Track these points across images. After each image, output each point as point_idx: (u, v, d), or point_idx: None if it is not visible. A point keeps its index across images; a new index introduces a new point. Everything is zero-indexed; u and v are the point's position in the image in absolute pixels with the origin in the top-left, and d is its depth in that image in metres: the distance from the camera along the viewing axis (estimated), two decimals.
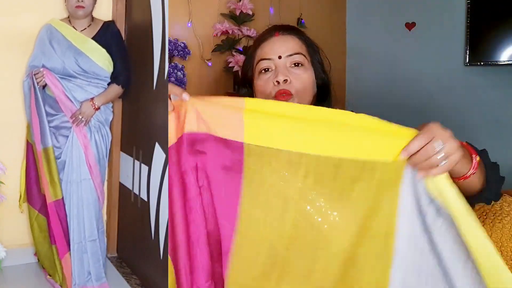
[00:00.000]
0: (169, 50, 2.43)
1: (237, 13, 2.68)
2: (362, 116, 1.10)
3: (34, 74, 2.18)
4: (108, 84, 2.32)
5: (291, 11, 2.99)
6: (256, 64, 1.44)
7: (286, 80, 1.36)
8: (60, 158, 2.25)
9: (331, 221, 1.15)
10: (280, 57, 1.40)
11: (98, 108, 2.27)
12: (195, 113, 1.21)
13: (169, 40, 2.44)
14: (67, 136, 2.26)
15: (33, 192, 2.28)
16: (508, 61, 2.60)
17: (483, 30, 2.75)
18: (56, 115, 2.26)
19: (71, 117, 2.23)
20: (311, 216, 1.16)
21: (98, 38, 2.29)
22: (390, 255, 1.11)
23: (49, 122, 2.24)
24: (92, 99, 2.25)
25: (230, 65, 2.62)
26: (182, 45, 2.47)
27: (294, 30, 1.50)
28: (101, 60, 2.28)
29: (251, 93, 1.50)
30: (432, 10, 3.00)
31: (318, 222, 1.16)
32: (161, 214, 2.04)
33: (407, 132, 1.06)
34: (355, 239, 1.13)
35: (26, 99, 2.27)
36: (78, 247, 2.21)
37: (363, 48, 3.38)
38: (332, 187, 1.14)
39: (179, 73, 2.41)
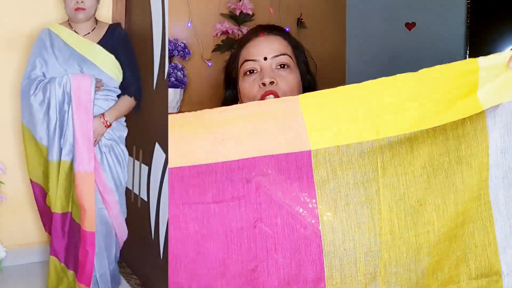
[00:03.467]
0: (169, 50, 2.43)
1: (237, 13, 2.69)
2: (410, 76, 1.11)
3: (97, 87, 1.91)
4: (118, 96, 2.03)
5: (291, 11, 2.99)
6: (241, 66, 1.41)
7: (273, 82, 1.33)
8: None
9: (430, 202, 1.11)
10: (265, 59, 1.37)
11: (110, 125, 1.97)
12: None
13: (169, 40, 2.44)
14: None
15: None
16: None
17: (483, 30, 2.75)
18: None
19: None
20: (404, 203, 1.11)
21: (104, 43, 2.00)
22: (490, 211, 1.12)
23: None
24: (102, 114, 1.95)
25: None
26: (182, 45, 2.47)
27: (279, 30, 1.47)
28: (110, 68, 1.99)
29: (235, 94, 1.47)
30: (432, 10, 3.00)
31: (414, 206, 1.11)
32: (161, 214, 2.04)
33: (469, 66, 1.09)
34: (457, 209, 1.11)
35: (26, 110, 1.96)
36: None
37: (363, 48, 3.38)
38: (410, 166, 1.10)
39: (179, 73, 2.41)
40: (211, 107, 1.16)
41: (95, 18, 2.06)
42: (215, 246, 1.12)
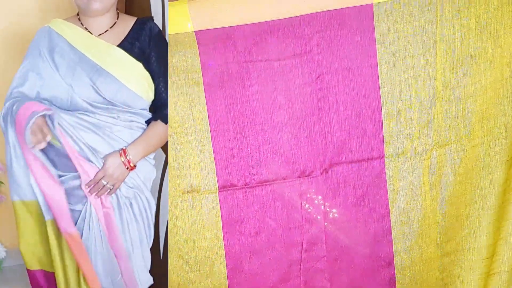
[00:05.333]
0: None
1: None
2: None
3: (32, 126, 1.26)
4: (147, 122, 1.45)
5: None
6: None
7: None
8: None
9: (480, 55, 1.20)
10: None
11: (134, 167, 1.38)
12: None
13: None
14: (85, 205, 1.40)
15: None
16: None
17: None
18: (65, 175, 1.38)
19: (86, 184, 1.36)
20: (457, 55, 1.19)
21: (128, 45, 1.42)
22: None
23: None
24: (123, 150, 1.37)
25: None
26: None
27: None
28: (136, 81, 1.39)
29: None
30: None
31: (465, 57, 1.20)
32: (161, 214, 2.04)
33: None
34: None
35: (7, 142, 1.40)
36: None
37: None
38: (467, 17, 1.17)
39: None
40: None
41: (116, 10, 1.49)
42: (279, 101, 1.20)
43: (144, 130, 1.43)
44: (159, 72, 1.41)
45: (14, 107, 1.34)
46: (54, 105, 1.38)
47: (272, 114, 1.19)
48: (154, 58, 1.43)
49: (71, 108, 1.37)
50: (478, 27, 1.17)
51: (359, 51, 1.17)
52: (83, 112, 1.37)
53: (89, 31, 1.44)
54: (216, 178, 1.22)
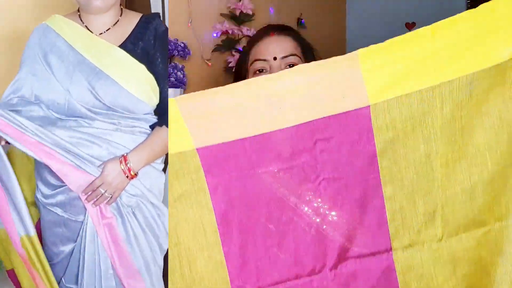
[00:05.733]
0: (169, 50, 2.42)
1: (237, 13, 2.69)
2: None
3: None
4: (152, 127, 1.35)
5: (291, 11, 2.99)
6: (251, 64, 1.44)
7: None
8: (66, 262, 1.33)
9: (483, 143, 1.14)
10: (275, 59, 1.40)
11: (136, 175, 1.30)
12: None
13: (169, 40, 2.44)
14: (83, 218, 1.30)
15: None
16: None
17: None
18: (64, 185, 1.28)
19: (83, 191, 1.26)
20: (458, 146, 1.13)
21: (131, 46, 1.31)
22: None
23: (48, 197, 1.31)
24: (124, 157, 1.27)
25: (230, 65, 2.62)
26: (182, 45, 2.47)
27: (289, 30, 1.50)
28: (138, 85, 1.29)
29: None
30: (432, 10, 3.00)
31: (468, 148, 1.14)
32: None
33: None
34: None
35: None
36: None
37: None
38: (468, 107, 1.12)
39: (179, 73, 2.41)
40: None
41: (120, 6, 1.38)
42: (285, 206, 1.17)
43: (148, 135, 1.33)
44: (163, 74, 1.32)
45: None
46: (51, 110, 1.30)
47: (279, 219, 1.17)
48: (159, 59, 1.32)
49: (68, 114, 1.28)
50: (480, 116, 1.13)
51: (358, 153, 1.14)
52: (77, 119, 1.28)
53: (89, 30, 1.33)
54: (230, 287, 1.21)
